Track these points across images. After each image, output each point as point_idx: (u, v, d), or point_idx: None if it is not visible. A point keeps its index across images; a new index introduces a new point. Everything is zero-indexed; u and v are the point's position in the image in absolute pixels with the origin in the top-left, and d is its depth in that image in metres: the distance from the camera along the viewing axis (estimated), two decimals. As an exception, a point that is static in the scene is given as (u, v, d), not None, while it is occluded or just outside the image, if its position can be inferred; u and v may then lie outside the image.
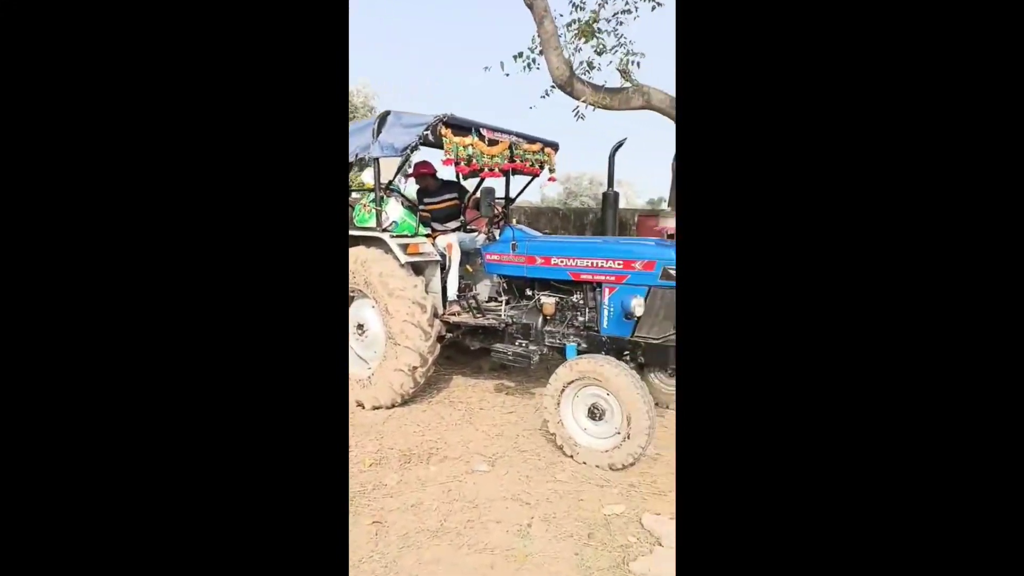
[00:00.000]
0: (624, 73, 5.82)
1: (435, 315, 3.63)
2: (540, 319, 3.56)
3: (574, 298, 3.47)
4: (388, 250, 3.64)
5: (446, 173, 4.49)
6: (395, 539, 2.18)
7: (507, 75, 6.42)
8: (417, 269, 3.73)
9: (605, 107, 5.81)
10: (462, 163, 3.47)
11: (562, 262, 3.41)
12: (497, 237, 3.81)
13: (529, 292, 3.68)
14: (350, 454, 3.00)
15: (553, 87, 6.00)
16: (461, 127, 3.48)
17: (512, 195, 4.59)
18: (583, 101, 5.75)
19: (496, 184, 4.15)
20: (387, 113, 3.56)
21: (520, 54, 6.18)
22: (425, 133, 3.31)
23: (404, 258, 3.54)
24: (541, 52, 5.93)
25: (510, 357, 3.43)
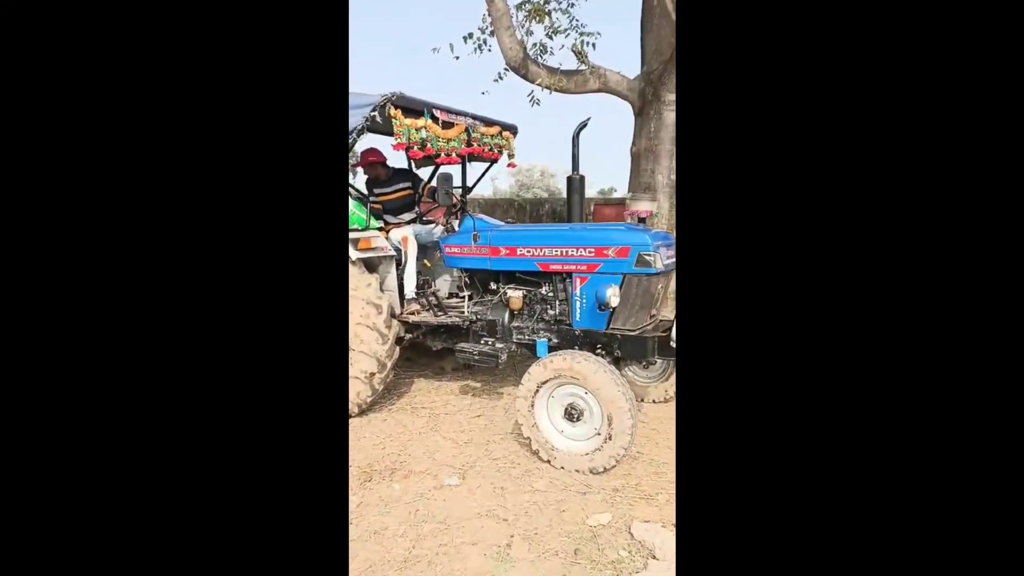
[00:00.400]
0: (579, 55, 5.62)
1: (392, 315, 3.32)
2: (507, 314, 3.32)
3: (543, 290, 3.25)
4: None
5: (396, 160, 4.16)
6: (358, 575, 1.90)
7: (456, 58, 6.08)
8: (370, 266, 3.40)
9: (561, 90, 5.59)
10: (415, 148, 3.16)
11: (529, 252, 3.18)
12: (456, 228, 3.53)
13: (493, 286, 3.43)
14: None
15: (506, 70, 5.73)
16: (412, 108, 3.17)
17: (469, 183, 4.31)
18: (539, 84, 5.51)
19: (451, 171, 3.87)
20: (393, 96, 3.20)
21: (470, 35, 5.86)
22: (372, 115, 2.98)
23: (355, 254, 3.21)
24: (492, 32, 5.64)
25: (476, 357, 3.18)
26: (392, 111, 3.05)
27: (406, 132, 3.11)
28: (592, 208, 15.99)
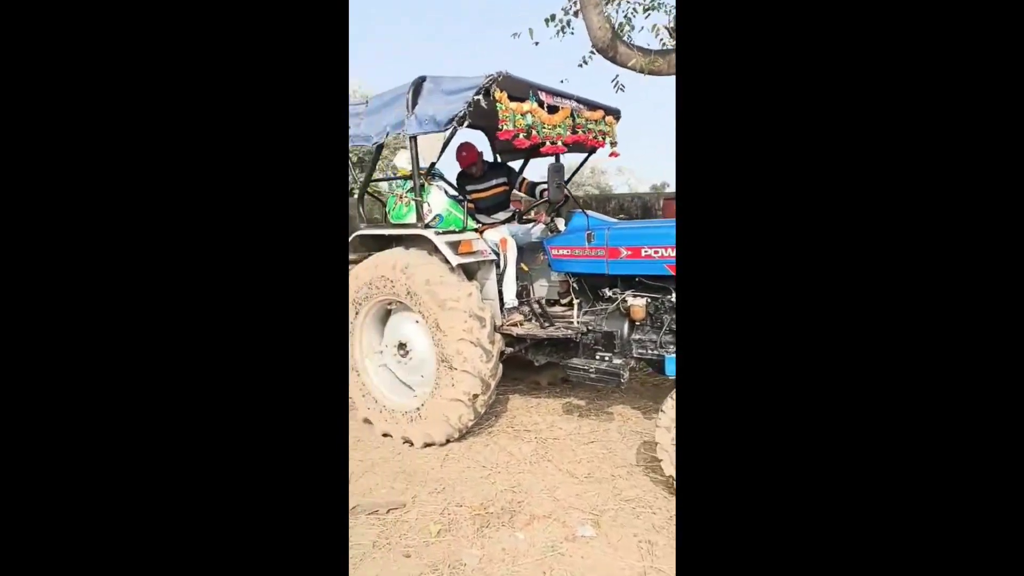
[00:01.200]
0: (671, 31, 5.08)
1: (495, 328, 2.92)
2: (626, 325, 2.86)
3: (671, 297, 2.76)
4: (432, 250, 2.94)
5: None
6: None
7: (536, 44, 5.62)
8: (468, 272, 3.03)
9: (654, 72, 5.06)
10: (520, 136, 2.75)
11: (656, 253, 2.70)
12: (563, 227, 3.10)
13: (608, 292, 2.97)
14: (407, 513, 2.34)
15: (592, 52, 5.25)
16: (518, 90, 2.76)
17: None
18: (630, 66, 5.00)
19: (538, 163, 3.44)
20: (422, 79, 2.84)
21: (552, 17, 5.43)
22: (476, 98, 2.60)
23: (455, 259, 2.84)
24: (577, 13, 5.18)
25: (593, 375, 2.74)
26: (497, 94, 2.66)
27: (512, 118, 2.70)
28: (662, 203, 15.16)
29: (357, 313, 3.14)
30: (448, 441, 2.95)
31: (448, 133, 2.80)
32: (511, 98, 2.71)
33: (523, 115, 2.75)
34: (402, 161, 3.19)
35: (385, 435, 3.13)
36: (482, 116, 2.87)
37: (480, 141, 4.50)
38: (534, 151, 3.48)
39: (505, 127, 2.69)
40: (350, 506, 2.38)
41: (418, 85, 2.84)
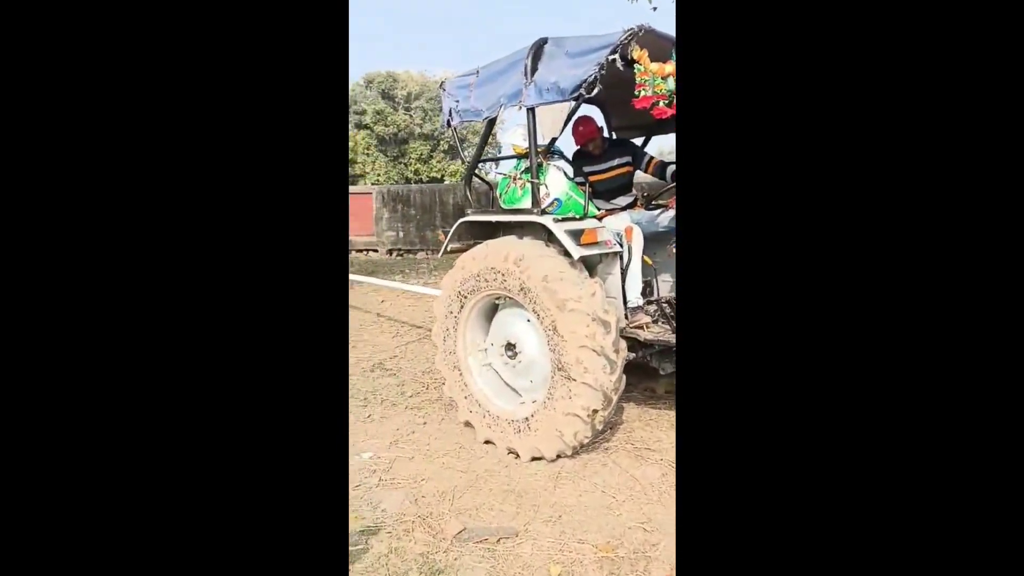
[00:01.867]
0: None
1: (620, 333, 2.51)
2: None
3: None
4: (549, 239, 2.57)
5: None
6: None
7: (655, 8, 5.00)
8: (587, 265, 2.63)
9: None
10: (661, 104, 2.28)
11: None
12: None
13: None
14: (520, 545, 2.03)
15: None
16: (659, 49, 2.29)
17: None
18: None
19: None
20: (543, 41, 2.45)
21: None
22: (612, 58, 2.16)
23: (577, 251, 2.44)
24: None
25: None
26: (636, 53, 2.20)
27: (651, 82, 2.24)
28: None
29: (462, 307, 2.86)
30: (559, 457, 2.61)
31: (572, 104, 2.39)
32: (652, 56, 2.25)
33: (665, 78, 2.28)
34: (516, 138, 2.83)
35: (487, 442, 2.85)
36: (624, 78, 2.42)
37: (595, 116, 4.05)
38: (659, 127, 2.98)
39: (643, 93, 2.23)
40: (457, 529, 2.11)
41: (538, 48, 2.45)
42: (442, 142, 21.22)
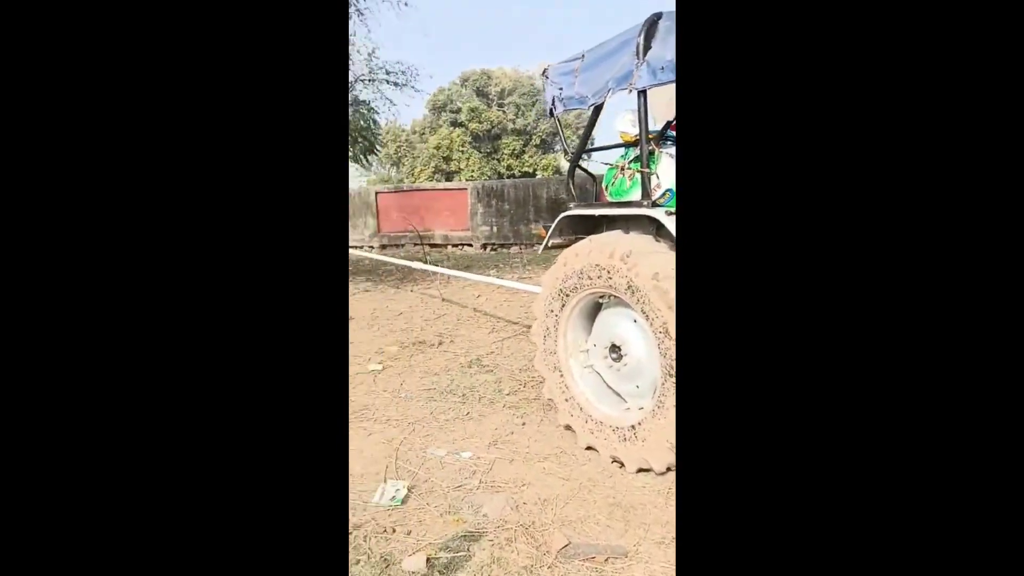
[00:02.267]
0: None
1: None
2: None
3: None
4: (658, 234, 2.36)
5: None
6: None
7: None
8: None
9: None
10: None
11: None
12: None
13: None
14: (631, 566, 1.88)
15: None
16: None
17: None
18: None
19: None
20: (658, 16, 2.24)
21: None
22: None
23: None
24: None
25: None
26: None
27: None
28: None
29: (564, 305, 2.73)
30: (668, 470, 2.40)
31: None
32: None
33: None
34: (625, 124, 2.63)
35: (589, 448, 2.71)
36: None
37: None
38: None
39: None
40: (562, 543, 2.00)
41: (652, 24, 2.24)
42: (534, 136, 21.20)
